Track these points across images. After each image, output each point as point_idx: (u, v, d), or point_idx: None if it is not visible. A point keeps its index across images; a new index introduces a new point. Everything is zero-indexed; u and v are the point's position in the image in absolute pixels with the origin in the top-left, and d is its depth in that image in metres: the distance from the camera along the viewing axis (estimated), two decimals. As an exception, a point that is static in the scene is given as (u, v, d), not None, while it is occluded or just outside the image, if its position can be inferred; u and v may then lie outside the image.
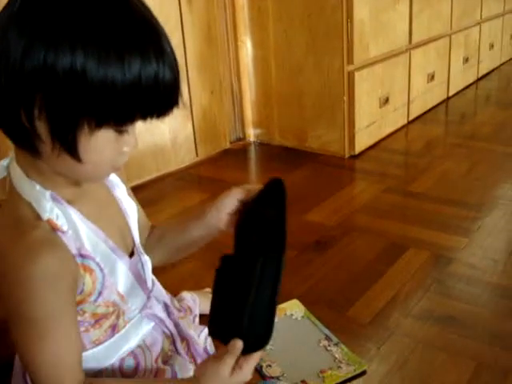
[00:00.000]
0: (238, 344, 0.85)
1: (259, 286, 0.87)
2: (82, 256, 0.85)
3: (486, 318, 1.36)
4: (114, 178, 0.99)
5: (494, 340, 1.28)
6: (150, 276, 1.01)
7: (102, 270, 0.88)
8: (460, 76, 3.23)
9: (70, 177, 0.83)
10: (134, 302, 0.97)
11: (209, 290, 1.42)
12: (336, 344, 1.27)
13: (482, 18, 3.38)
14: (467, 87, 3.33)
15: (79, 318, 0.88)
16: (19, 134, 0.76)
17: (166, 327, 1.03)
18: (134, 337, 0.97)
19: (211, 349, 1.18)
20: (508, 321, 1.35)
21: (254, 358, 0.87)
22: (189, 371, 1.03)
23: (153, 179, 2.19)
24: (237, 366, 0.85)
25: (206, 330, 1.18)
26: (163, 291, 1.07)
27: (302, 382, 1.17)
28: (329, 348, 1.27)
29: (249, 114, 2.60)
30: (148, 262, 1.00)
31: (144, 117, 0.77)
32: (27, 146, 0.76)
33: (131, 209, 1.01)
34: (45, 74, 0.70)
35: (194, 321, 1.25)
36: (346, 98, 2.29)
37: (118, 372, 0.95)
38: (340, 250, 1.68)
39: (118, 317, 0.94)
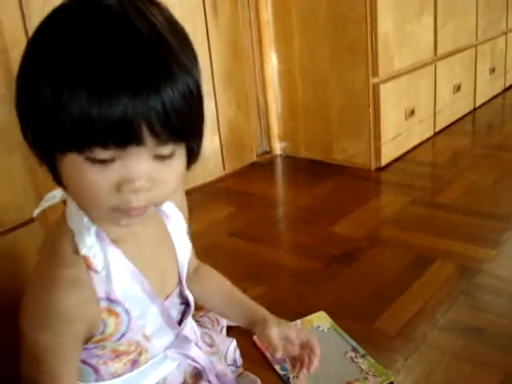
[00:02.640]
0: None
1: None
2: (109, 300, 0.83)
3: (514, 330, 1.35)
4: (174, 215, 0.97)
5: (521, 351, 1.28)
6: (187, 319, 1.01)
7: (129, 314, 0.86)
8: (486, 86, 3.21)
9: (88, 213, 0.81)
10: (160, 341, 0.95)
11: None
12: (363, 356, 1.28)
13: (508, 27, 3.36)
14: (494, 98, 3.31)
15: (99, 353, 0.87)
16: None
17: (198, 363, 1.00)
18: (154, 374, 0.95)
19: (240, 360, 1.19)
20: (536, 332, 1.34)
21: None
22: None
23: (180, 193, 2.21)
24: None
25: (234, 342, 1.19)
26: (194, 327, 1.05)
27: (329, 393, 1.18)
28: (355, 359, 1.27)
29: (275, 127, 2.62)
30: (192, 304, 1.00)
31: (103, 144, 0.68)
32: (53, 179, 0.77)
33: (184, 249, 0.99)
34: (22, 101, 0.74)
35: (221, 331, 1.26)
36: (371, 111, 2.30)
37: None
38: (366, 262, 1.68)
39: (140, 354, 0.92)
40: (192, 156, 0.79)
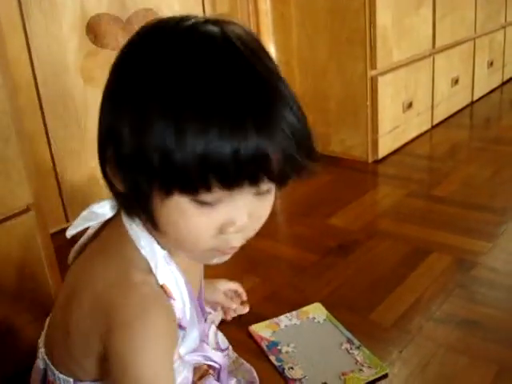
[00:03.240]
0: None
1: None
2: (179, 326, 0.83)
3: (509, 322, 1.35)
4: None
5: (516, 344, 1.28)
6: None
7: (183, 338, 0.87)
8: (484, 80, 3.21)
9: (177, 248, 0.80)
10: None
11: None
12: (358, 347, 1.28)
13: (507, 21, 3.35)
14: (492, 91, 3.31)
15: None
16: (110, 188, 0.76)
17: (217, 362, 1.01)
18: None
19: (224, 344, 1.18)
20: (531, 325, 1.35)
21: None
22: None
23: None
24: None
25: (213, 326, 1.19)
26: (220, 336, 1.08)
27: (324, 384, 1.19)
28: (350, 351, 1.27)
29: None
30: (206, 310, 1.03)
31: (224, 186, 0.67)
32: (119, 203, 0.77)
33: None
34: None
35: (205, 320, 1.26)
36: (369, 103, 2.30)
37: None
38: (363, 254, 1.69)
39: None
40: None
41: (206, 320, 1.24)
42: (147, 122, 0.66)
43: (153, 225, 0.73)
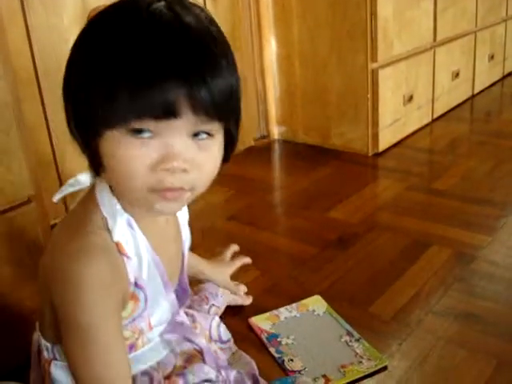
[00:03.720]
0: None
1: None
2: (136, 285, 0.86)
3: (508, 316, 1.36)
4: (184, 208, 1.00)
5: (515, 337, 1.28)
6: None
7: (146, 301, 0.89)
8: (485, 73, 3.21)
9: (122, 198, 0.83)
10: (159, 329, 0.98)
11: (237, 283, 1.43)
12: (357, 340, 1.29)
13: (508, 14, 3.34)
14: (493, 85, 3.30)
15: None
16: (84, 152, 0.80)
17: (198, 345, 1.04)
18: (149, 358, 0.98)
19: (226, 335, 1.20)
20: (530, 318, 1.35)
21: None
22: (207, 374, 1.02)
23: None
24: None
25: (216, 318, 1.20)
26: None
27: (323, 376, 1.19)
28: (350, 343, 1.28)
29: (273, 111, 2.61)
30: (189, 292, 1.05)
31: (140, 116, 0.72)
32: (91, 165, 0.80)
33: (187, 240, 1.03)
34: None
35: (209, 311, 1.27)
36: (369, 96, 2.30)
37: None
38: (362, 247, 1.69)
39: (137, 338, 0.94)
40: (229, 144, 0.83)
41: (209, 311, 1.25)
42: (88, 70, 0.75)
43: (98, 168, 0.78)
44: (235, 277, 1.43)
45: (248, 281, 1.51)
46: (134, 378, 0.93)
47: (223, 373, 1.04)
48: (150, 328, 0.94)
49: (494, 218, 1.81)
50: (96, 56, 0.74)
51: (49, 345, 0.92)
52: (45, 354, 0.93)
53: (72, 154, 1.81)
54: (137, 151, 0.73)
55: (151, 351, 0.98)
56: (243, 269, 1.46)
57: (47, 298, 0.86)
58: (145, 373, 0.96)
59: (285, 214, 2.03)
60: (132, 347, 0.93)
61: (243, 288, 1.44)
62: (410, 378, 1.18)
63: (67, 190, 0.91)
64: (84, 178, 0.89)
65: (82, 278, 0.77)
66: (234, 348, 1.21)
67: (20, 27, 1.64)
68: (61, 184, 1.81)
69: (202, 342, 1.05)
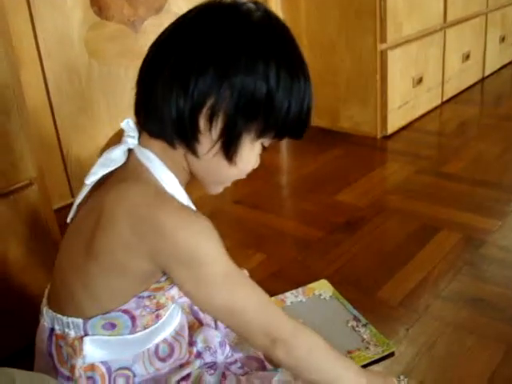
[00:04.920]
0: None
1: None
2: None
3: (518, 301, 1.34)
4: None
5: (525, 323, 1.26)
6: None
7: None
8: (496, 56, 3.16)
9: (204, 177, 0.91)
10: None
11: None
12: (364, 325, 1.27)
13: (520, -4, 3.30)
14: (503, 67, 3.26)
15: (146, 303, 0.90)
16: (188, 131, 0.83)
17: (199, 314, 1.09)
18: (169, 325, 0.99)
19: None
20: (540, 304, 1.33)
21: None
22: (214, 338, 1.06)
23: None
24: None
25: None
26: None
27: (330, 362, 1.17)
28: (357, 329, 1.26)
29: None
30: None
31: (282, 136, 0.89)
32: (189, 142, 0.84)
33: None
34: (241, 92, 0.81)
35: None
36: (378, 78, 2.27)
37: (154, 355, 0.95)
38: (370, 231, 1.67)
39: (166, 306, 0.96)
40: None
41: None
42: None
43: (230, 160, 0.86)
44: (241, 262, 1.41)
45: (254, 265, 1.49)
46: (156, 346, 0.96)
47: (230, 352, 1.06)
48: (179, 295, 0.96)
49: (504, 202, 1.78)
50: None
51: (80, 321, 0.90)
52: (72, 333, 0.91)
53: (77, 137, 1.80)
54: (256, 159, 0.91)
55: (170, 317, 0.98)
56: (249, 253, 1.44)
57: (97, 273, 0.86)
58: (165, 344, 0.97)
59: (292, 198, 2.01)
60: (158, 316, 0.94)
61: (246, 273, 1.42)
62: (418, 365, 1.17)
63: (102, 171, 0.88)
64: (116, 156, 0.88)
65: (195, 227, 0.82)
66: None
67: (22, 7, 1.62)
68: (65, 168, 1.80)
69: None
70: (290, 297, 1.38)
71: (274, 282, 1.44)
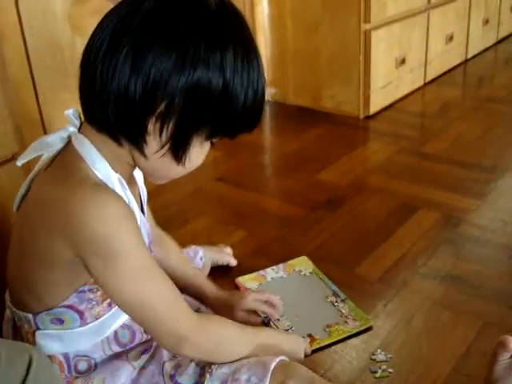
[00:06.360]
0: None
1: None
2: None
3: (494, 279, 1.36)
4: None
5: (501, 300, 1.29)
6: None
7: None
8: (479, 38, 3.18)
9: (150, 173, 0.90)
10: None
11: (223, 245, 1.44)
12: (343, 300, 1.29)
13: (504, -22, 3.31)
14: (486, 50, 3.27)
15: (90, 296, 0.89)
16: (135, 131, 0.80)
17: None
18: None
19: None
20: (516, 281, 1.36)
21: None
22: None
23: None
24: None
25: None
26: None
27: (309, 335, 1.19)
28: (336, 304, 1.28)
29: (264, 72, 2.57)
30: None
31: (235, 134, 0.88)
32: (136, 140, 0.81)
33: (145, 197, 1.04)
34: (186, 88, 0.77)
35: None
36: (361, 58, 2.27)
37: (114, 341, 0.95)
38: (351, 209, 1.69)
39: None
40: None
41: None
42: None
43: (178, 160, 0.84)
44: (222, 238, 1.43)
45: (236, 241, 1.50)
46: (115, 333, 0.95)
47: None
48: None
49: (483, 182, 1.80)
50: None
51: (30, 316, 0.90)
52: (25, 326, 0.92)
53: (59, 113, 1.78)
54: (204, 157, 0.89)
55: None
56: (231, 230, 1.45)
57: (31, 267, 0.86)
58: (125, 328, 0.97)
59: (274, 176, 2.02)
60: (111, 304, 0.93)
61: (229, 250, 1.44)
62: (395, 339, 1.19)
63: (33, 154, 0.89)
64: (51, 141, 0.88)
65: (109, 213, 0.80)
66: None
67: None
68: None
69: None
70: (270, 273, 1.39)
71: (254, 259, 1.45)
